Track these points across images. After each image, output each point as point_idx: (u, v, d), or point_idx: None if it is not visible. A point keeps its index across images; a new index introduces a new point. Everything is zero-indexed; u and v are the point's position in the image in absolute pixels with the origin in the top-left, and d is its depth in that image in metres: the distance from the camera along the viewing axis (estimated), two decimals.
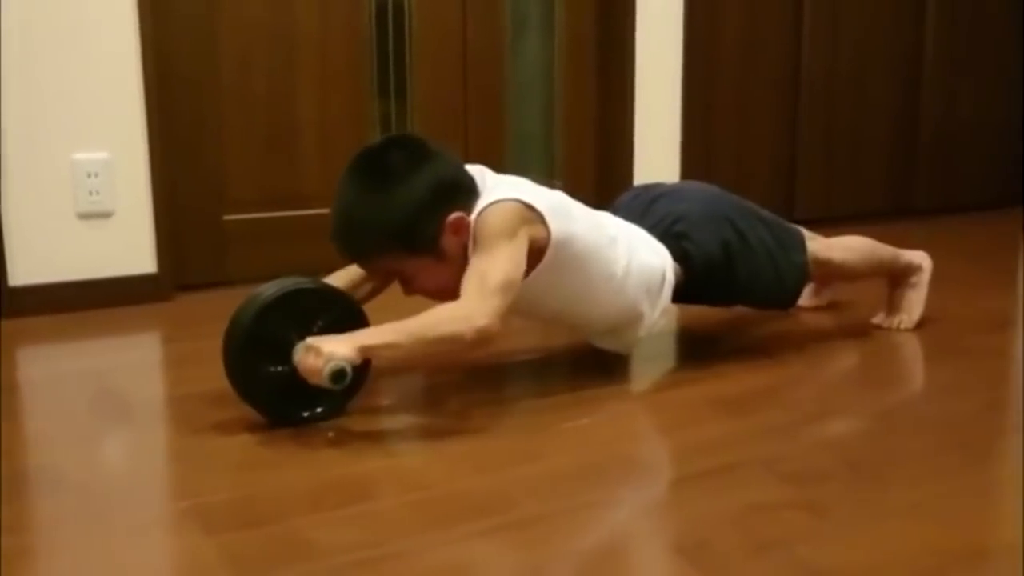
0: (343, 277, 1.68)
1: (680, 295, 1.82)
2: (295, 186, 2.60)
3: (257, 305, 1.48)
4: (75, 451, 1.45)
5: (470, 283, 1.48)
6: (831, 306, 2.26)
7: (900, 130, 3.66)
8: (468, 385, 1.75)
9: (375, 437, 1.51)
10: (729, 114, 3.25)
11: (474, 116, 2.84)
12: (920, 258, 2.09)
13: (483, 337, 1.44)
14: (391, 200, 1.51)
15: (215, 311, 2.30)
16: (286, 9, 2.54)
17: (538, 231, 1.55)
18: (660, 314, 1.77)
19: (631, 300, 1.72)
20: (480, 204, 1.55)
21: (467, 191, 1.57)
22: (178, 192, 2.44)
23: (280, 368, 1.47)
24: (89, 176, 2.28)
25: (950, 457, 1.42)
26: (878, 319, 2.10)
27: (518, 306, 1.54)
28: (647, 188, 1.98)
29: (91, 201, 2.30)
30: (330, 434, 1.48)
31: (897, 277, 2.09)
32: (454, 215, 1.53)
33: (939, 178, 3.78)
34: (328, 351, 1.38)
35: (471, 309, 1.45)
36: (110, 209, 2.32)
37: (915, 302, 2.07)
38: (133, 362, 2.00)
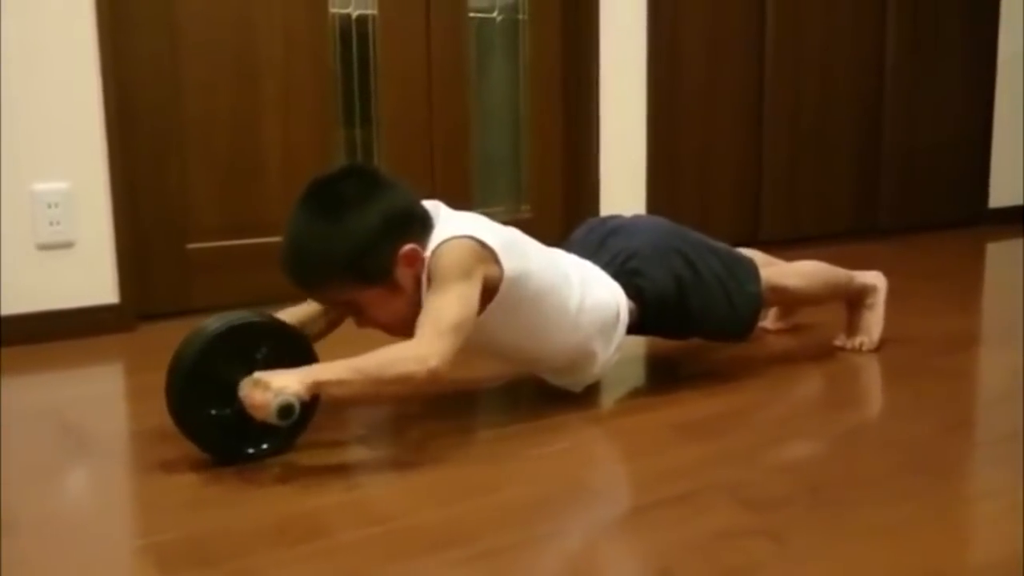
0: (301, 311, 1.66)
1: (634, 329, 1.83)
2: (259, 214, 2.59)
3: (200, 340, 1.45)
4: (30, 489, 1.42)
5: (425, 323, 1.47)
6: (795, 328, 2.28)
7: (863, 151, 3.70)
8: (427, 415, 1.74)
9: (333, 471, 1.49)
10: (694, 137, 3.27)
11: (440, 143, 2.84)
12: (874, 278, 2.11)
13: (434, 378, 1.44)
14: (343, 230, 1.49)
15: (179, 341, 2.32)
16: (248, 37, 2.53)
17: (491, 270, 1.54)
18: (614, 351, 1.78)
19: (584, 338, 1.72)
20: (435, 239, 1.54)
21: (421, 223, 1.57)
22: (140, 221, 2.43)
23: (226, 410, 1.43)
24: (49, 206, 2.26)
25: (912, 479, 1.42)
26: (840, 341, 2.11)
27: (471, 344, 1.53)
28: (602, 222, 1.98)
29: (52, 231, 2.27)
30: (276, 470, 1.45)
31: (853, 299, 2.11)
32: (408, 247, 1.52)
33: (902, 198, 3.83)
34: (277, 386, 1.36)
35: (424, 350, 1.44)
36: (71, 239, 2.30)
37: (874, 323, 2.09)
38: (94, 395, 1.97)
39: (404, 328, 1.51)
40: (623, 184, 3.08)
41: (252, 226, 2.58)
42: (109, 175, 2.32)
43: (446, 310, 1.48)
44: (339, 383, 1.41)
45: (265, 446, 1.48)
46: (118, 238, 2.35)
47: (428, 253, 1.53)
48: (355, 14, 2.68)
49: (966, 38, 3.95)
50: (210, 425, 1.45)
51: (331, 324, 1.68)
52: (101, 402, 1.93)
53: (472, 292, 1.51)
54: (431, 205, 1.62)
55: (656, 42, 3.08)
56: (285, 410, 1.35)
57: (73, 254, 2.31)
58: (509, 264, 1.56)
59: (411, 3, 2.75)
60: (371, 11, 2.70)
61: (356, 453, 1.60)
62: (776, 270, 2.01)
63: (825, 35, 3.52)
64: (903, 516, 1.29)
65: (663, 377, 2.00)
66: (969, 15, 3.93)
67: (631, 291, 1.79)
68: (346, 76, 2.70)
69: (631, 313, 1.79)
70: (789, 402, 1.86)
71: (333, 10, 2.64)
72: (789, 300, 2.11)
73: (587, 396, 1.83)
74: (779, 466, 1.50)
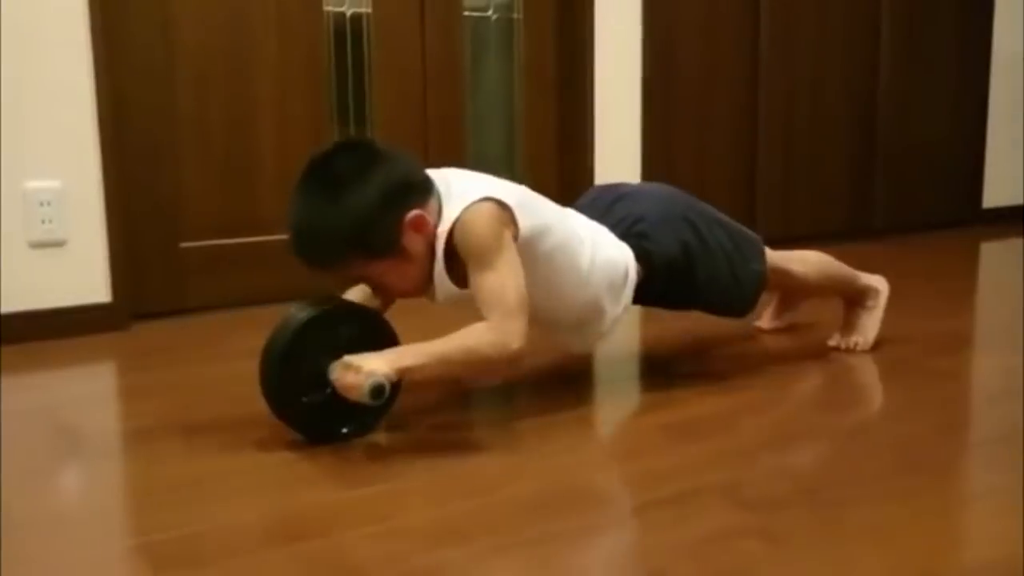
0: (359, 291, 1.70)
1: (639, 295, 1.82)
2: (253, 213, 2.58)
3: (291, 329, 1.51)
4: (23, 488, 1.42)
5: (492, 306, 1.50)
6: (790, 328, 2.28)
7: (857, 150, 3.70)
8: (424, 412, 1.73)
9: (331, 468, 1.49)
10: (689, 136, 3.27)
11: (435, 141, 2.84)
12: (878, 282, 2.11)
13: (517, 359, 1.51)
14: (343, 208, 1.49)
15: (172, 340, 2.31)
16: (243, 35, 2.53)
17: (511, 229, 1.56)
18: (622, 310, 1.79)
19: (594, 294, 1.73)
20: (455, 206, 1.55)
21: (420, 188, 1.57)
22: (133, 220, 2.42)
23: (318, 394, 1.49)
24: (41, 204, 2.25)
25: (907, 480, 1.42)
26: (834, 340, 2.11)
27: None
28: (607, 189, 1.98)
29: (44, 230, 2.26)
30: (274, 467, 1.46)
31: (854, 299, 2.11)
32: (412, 213, 1.53)
33: (896, 198, 3.83)
34: (368, 369, 1.42)
35: (502, 334, 1.49)
36: (63, 238, 2.29)
37: (871, 324, 2.08)
38: (87, 394, 1.96)
39: (421, 291, 1.58)
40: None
41: (246, 225, 2.58)
42: (102, 173, 2.31)
43: (506, 288, 1.51)
44: (422, 368, 1.47)
45: (352, 428, 1.54)
46: (111, 237, 2.34)
47: (450, 221, 1.54)
48: (349, 12, 2.68)
49: (960, 38, 3.95)
50: (304, 409, 1.51)
51: (386, 302, 1.71)
52: (94, 401, 1.92)
53: (515, 257, 1.53)
54: (440, 174, 1.62)
55: (651, 41, 3.08)
56: (377, 390, 1.41)
57: (66, 253, 2.31)
58: (525, 223, 1.57)
59: (406, 1, 2.75)
60: (366, 9, 2.69)
61: (353, 451, 1.59)
62: (782, 254, 2.00)
63: (819, 34, 3.52)
64: (899, 517, 1.29)
65: (657, 377, 2.00)
66: (963, 15, 3.94)
67: (638, 254, 1.79)
68: (340, 75, 2.70)
69: (638, 275, 1.79)
70: (783, 403, 1.85)
71: (327, 8, 2.63)
72: (791, 286, 2.09)
73: (581, 396, 1.83)
74: (774, 467, 1.49)
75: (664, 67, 3.14)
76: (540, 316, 1.70)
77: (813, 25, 3.50)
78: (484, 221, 1.53)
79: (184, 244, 2.51)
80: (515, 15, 2.96)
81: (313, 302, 1.54)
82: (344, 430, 1.54)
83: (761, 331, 2.26)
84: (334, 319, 1.54)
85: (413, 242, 1.54)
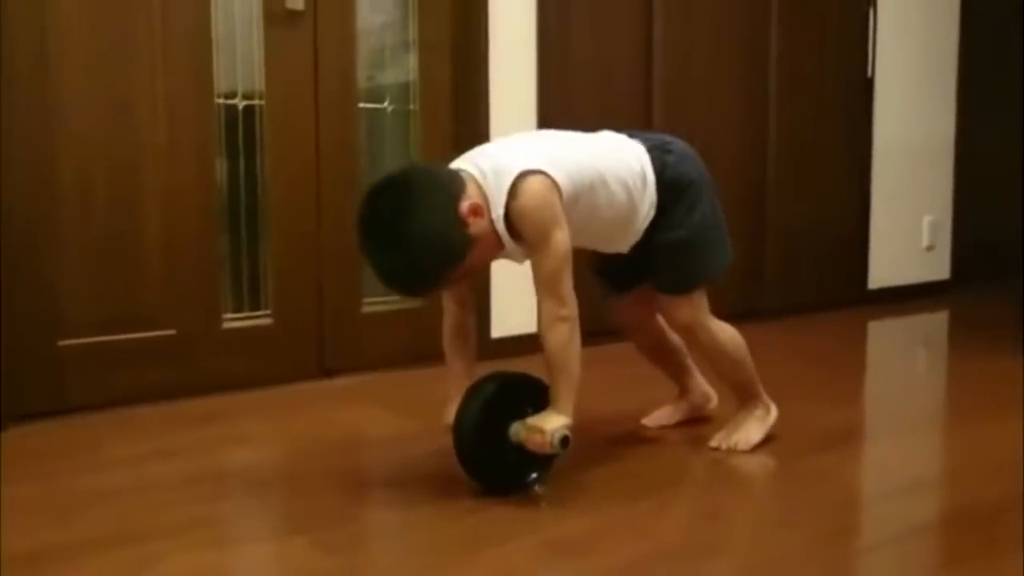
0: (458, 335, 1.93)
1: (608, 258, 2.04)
2: (139, 307, 2.51)
3: (478, 404, 1.77)
4: None
5: (547, 289, 1.75)
6: (678, 425, 2.27)
7: (749, 233, 3.79)
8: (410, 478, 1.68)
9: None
10: None
11: (329, 236, 2.79)
12: (772, 404, 2.14)
13: (575, 317, 1.76)
14: (418, 244, 1.65)
15: (52, 444, 2.21)
16: (128, 121, 2.46)
17: (556, 194, 1.75)
18: (648, 207, 1.94)
19: (626, 204, 1.91)
20: (501, 183, 1.71)
21: (451, 182, 1.72)
22: (8, 316, 2.31)
23: (503, 452, 1.78)
24: None
25: None
26: (715, 441, 2.10)
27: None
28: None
29: None
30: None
31: (746, 401, 2.13)
32: (464, 205, 1.68)
33: (786, 280, 3.93)
34: (551, 428, 1.70)
35: (563, 319, 1.74)
36: None
37: (755, 429, 2.11)
38: None
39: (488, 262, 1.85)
40: (516, 270, 3.08)
41: (131, 320, 2.50)
42: None
43: (559, 272, 1.74)
44: (571, 397, 1.75)
45: (536, 474, 1.84)
46: None
47: (501, 203, 1.71)
48: (242, 105, 2.65)
49: (845, 126, 4.12)
50: (495, 468, 1.80)
51: (467, 287, 1.91)
52: None
53: (564, 232, 1.74)
54: (468, 156, 1.80)
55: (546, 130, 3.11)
56: (564, 440, 1.73)
57: None
58: (564, 181, 1.76)
59: (299, 94, 2.73)
60: (258, 101, 2.67)
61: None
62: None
63: (709, 121, 3.62)
64: None
65: (526, 495, 1.86)
66: (847, 104, 4.11)
67: (657, 163, 1.95)
68: (232, 165, 2.66)
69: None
70: (654, 515, 1.77)
71: (219, 100, 2.60)
72: (706, 345, 2.06)
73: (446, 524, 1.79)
74: None
75: None
76: (584, 237, 1.89)
77: (703, 110, 3.60)
78: (535, 203, 1.72)
79: (64, 342, 2.42)
80: (411, 107, 2.98)
81: (483, 382, 1.80)
82: (533, 475, 1.83)
83: (645, 428, 2.26)
84: (506, 390, 1.79)
85: (477, 226, 1.70)
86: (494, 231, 1.73)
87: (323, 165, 2.78)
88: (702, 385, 2.30)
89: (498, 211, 1.72)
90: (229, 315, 2.67)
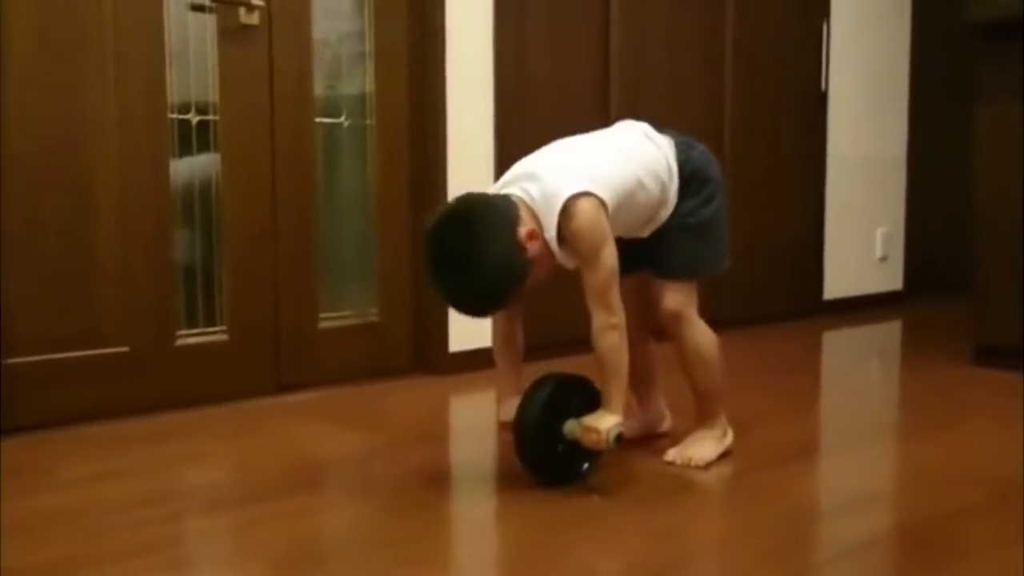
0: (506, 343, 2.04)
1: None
2: (90, 324, 2.47)
3: (538, 404, 1.90)
4: None
5: (597, 301, 1.87)
6: (644, 439, 2.25)
7: None
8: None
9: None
10: None
11: (285, 249, 2.78)
12: (729, 429, 2.16)
13: (622, 326, 1.88)
14: (486, 271, 1.78)
15: (1, 465, 2.16)
16: (80, 137, 2.43)
17: (603, 211, 1.88)
18: (674, 195, 2.04)
19: (658, 200, 2.03)
20: (550, 206, 1.84)
21: (508, 209, 1.84)
22: None
23: (558, 449, 1.92)
24: None
25: None
26: (670, 455, 2.10)
27: None
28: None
29: None
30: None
31: (705, 415, 2.14)
32: (521, 231, 1.81)
33: (744, 291, 3.96)
34: (605, 427, 1.84)
35: (612, 327, 1.87)
36: None
37: (710, 447, 2.12)
38: None
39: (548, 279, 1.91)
40: None
41: (83, 337, 2.46)
42: None
43: (608, 286, 1.86)
44: (621, 397, 1.89)
45: (587, 465, 1.97)
46: None
47: (553, 224, 1.84)
48: (195, 120, 2.62)
49: (799, 140, 4.18)
50: (552, 463, 1.94)
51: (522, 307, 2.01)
52: None
53: (612, 247, 1.87)
54: (512, 178, 1.93)
55: (503, 147, 3.12)
56: (619, 437, 1.87)
57: None
58: (608, 198, 1.89)
59: (254, 109, 2.71)
60: (212, 117, 2.64)
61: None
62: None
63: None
64: None
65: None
66: (801, 119, 4.16)
67: (679, 155, 2.06)
68: (186, 180, 2.63)
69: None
70: (611, 532, 1.76)
71: (172, 116, 2.57)
72: (683, 340, 2.09)
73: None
74: None
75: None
76: (621, 228, 1.99)
77: (660, 122, 3.60)
78: (587, 224, 1.84)
79: (10, 360, 2.37)
80: (368, 121, 2.97)
81: (540, 382, 1.93)
82: (584, 467, 1.96)
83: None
84: (560, 391, 1.92)
85: (534, 249, 1.83)
86: (548, 251, 1.87)
87: (279, 180, 2.76)
88: (659, 404, 2.31)
89: (551, 232, 1.85)
90: (183, 331, 2.64)
